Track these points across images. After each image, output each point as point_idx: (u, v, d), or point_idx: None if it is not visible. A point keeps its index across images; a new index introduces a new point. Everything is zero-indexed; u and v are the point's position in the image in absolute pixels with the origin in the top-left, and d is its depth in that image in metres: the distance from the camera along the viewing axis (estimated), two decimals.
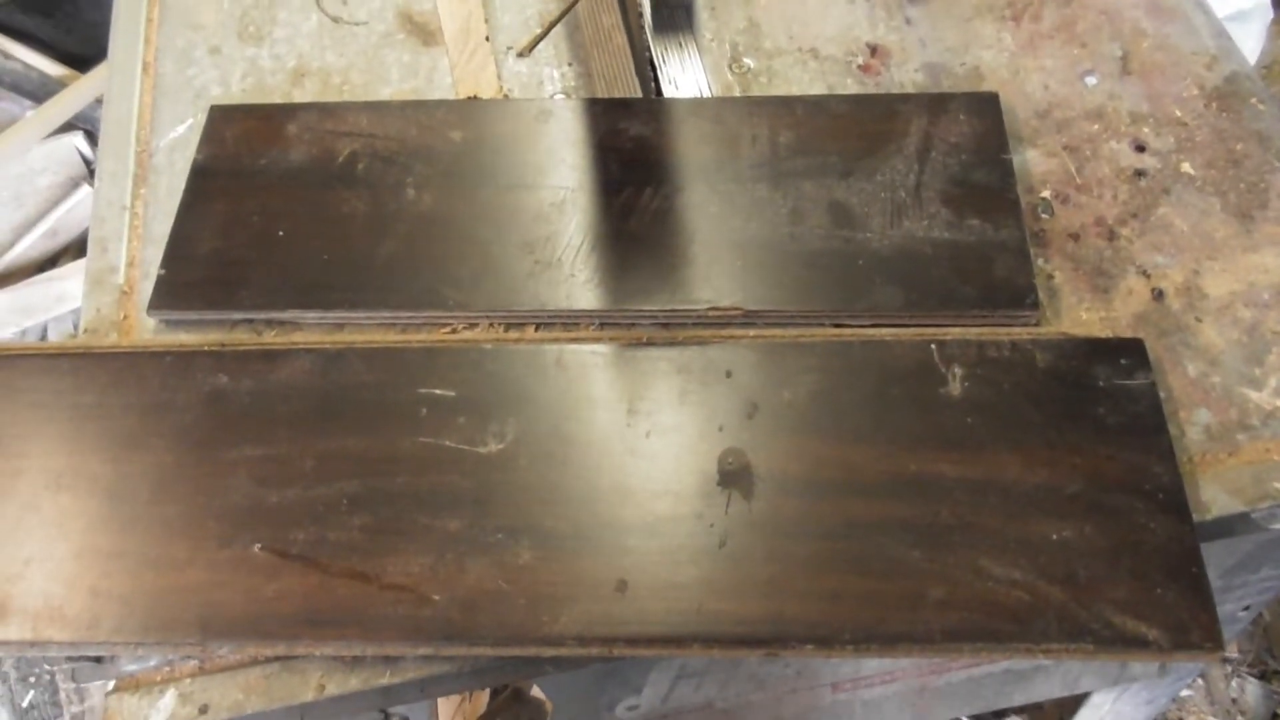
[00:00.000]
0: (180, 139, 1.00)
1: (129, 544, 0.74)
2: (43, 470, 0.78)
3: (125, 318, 0.90)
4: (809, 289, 0.84)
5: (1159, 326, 0.83)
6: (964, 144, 0.90)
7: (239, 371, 0.81)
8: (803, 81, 1.01)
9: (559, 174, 0.91)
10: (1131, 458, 0.74)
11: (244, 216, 0.90)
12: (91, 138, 2.14)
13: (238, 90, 1.04)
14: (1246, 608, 1.08)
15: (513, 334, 0.85)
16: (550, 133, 0.94)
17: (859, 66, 1.02)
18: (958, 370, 0.78)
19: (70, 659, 0.75)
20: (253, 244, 0.89)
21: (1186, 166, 0.92)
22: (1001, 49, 1.01)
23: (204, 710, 0.74)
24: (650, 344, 0.82)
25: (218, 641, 0.71)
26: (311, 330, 0.87)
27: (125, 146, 1.00)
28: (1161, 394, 0.77)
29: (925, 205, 0.87)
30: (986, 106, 0.93)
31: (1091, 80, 0.98)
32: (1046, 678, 1.18)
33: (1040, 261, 0.87)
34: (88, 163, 2.17)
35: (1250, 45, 1.80)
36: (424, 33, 1.07)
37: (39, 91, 2.13)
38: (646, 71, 1.00)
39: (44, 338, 2.09)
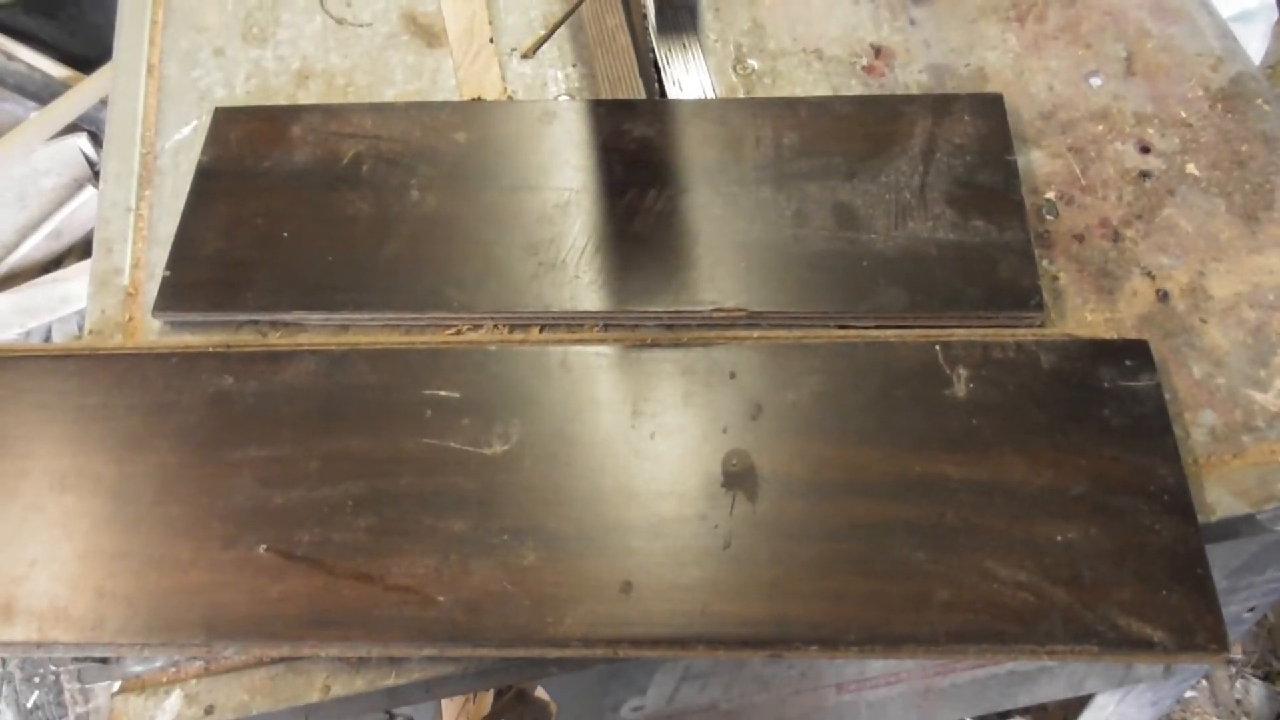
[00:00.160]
0: (185, 141, 1.00)
1: (134, 545, 0.74)
2: (48, 471, 0.78)
3: (130, 319, 0.90)
4: (813, 290, 0.84)
5: (1164, 328, 0.83)
6: (968, 145, 0.90)
7: (244, 373, 0.81)
8: (807, 83, 1.01)
9: (563, 175, 0.91)
10: (1136, 459, 0.74)
11: (248, 218, 0.90)
12: (96, 139, 2.15)
13: (242, 92, 1.04)
14: (1251, 609, 1.08)
15: (517, 335, 0.85)
16: (554, 134, 0.94)
17: (863, 68, 1.02)
18: (962, 371, 0.78)
19: (76, 660, 0.75)
20: (257, 245, 0.89)
21: (1191, 168, 0.92)
22: (1006, 50, 1.01)
23: (209, 711, 0.74)
24: (654, 345, 0.82)
25: (223, 642, 0.71)
26: (316, 332, 0.87)
27: (130, 148, 1.00)
28: (1166, 395, 0.77)
29: (930, 206, 0.87)
30: (991, 108, 0.93)
31: (1096, 81, 0.98)
32: (1051, 679, 1.18)
33: (1045, 263, 0.87)
34: (92, 164, 2.17)
35: (1255, 46, 1.80)
36: (428, 34, 1.07)
37: (43, 93, 2.14)
38: (650, 73, 1.00)
39: (48, 339, 2.09)
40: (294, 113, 0.98)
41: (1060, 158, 0.93)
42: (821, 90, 1.00)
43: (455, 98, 1.02)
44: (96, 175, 2.16)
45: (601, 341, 0.83)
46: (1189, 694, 1.83)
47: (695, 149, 0.92)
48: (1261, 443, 0.78)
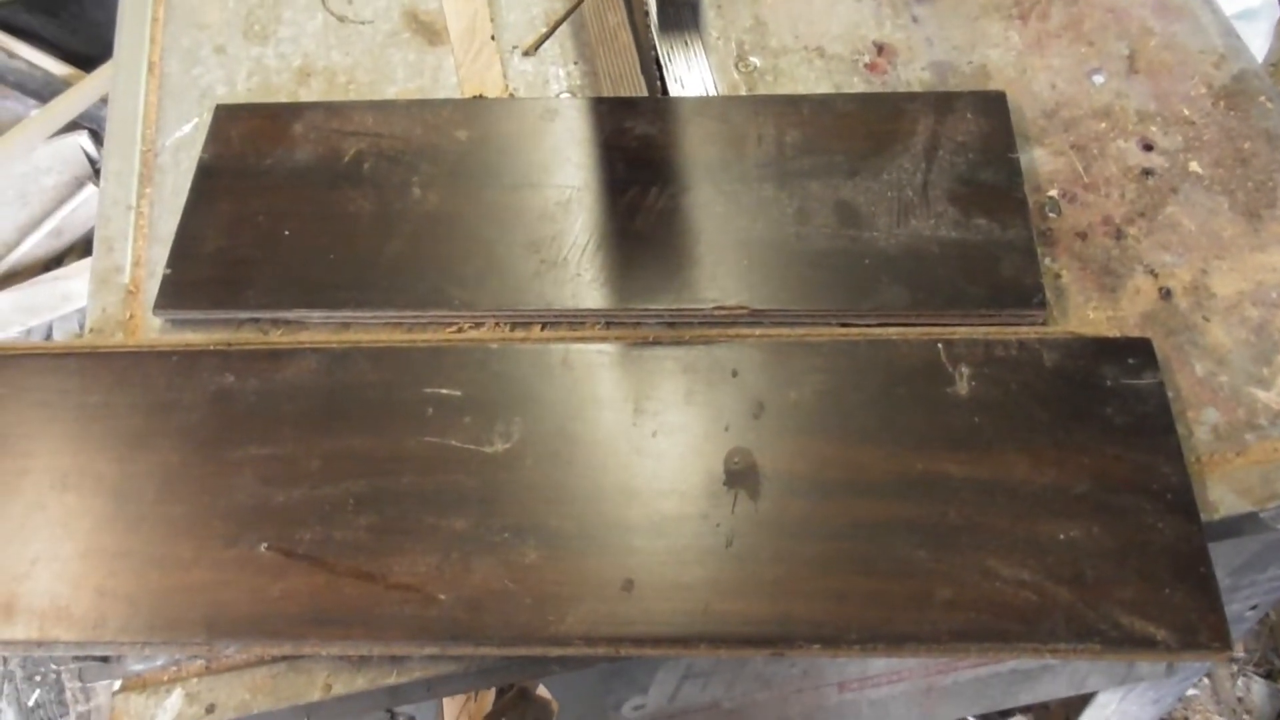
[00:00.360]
0: (186, 138, 1.00)
1: (135, 544, 0.74)
2: (49, 470, 0.78)
3: (131, 317, 0.90)
4: (815, 288, 0.84)
5: (1167, 326, 0.83)
6: (971, 143, 0.90)
7: (245, 371, 0.81)
8: (809, 80, 1.01)
9: (564, 173, 0.91)
10: (1139, 458, 0.73)
11: (250, 216, 0.90)
12: (96, 137, 2.14)
13: (243, 89, 1.04)
14: (1254, 607, 1.08)
15: (518, 333, 0.85)
16: (556, 132, 0.94)
17: (865, 65, 1.01)
18: (965, 370, 0.78)
19: (77, 658, 0.75)
20: (258, 243, 0.89)
21: (1194, 165, 0.92)
22: (1009, 48, 1.01)
23: (210, 710, 0.74)
24: (656, 343, 0.82)
25: (224, 641, 0.71)
26: (317, 330, 0.87)
27: (131, 146, 1.00)
28: (1169, 393, 0.77)
29: (932, 204, 0.87)
30: (993, 105, 0.93)
31: (1099, 79, 0.98)
32: (1053, 677, 1.18)
33: (1047, 261, 0.87)
34: (93, 162, 2.17)
35: (1258, 44, 1.80)
36: (429, 32, 1.07)
37: (43, 91, 2.14)
38: (652, 70, 1.00)
39: (49, 337, 2.09)
40: (295, 110, 0.97)
41: (1063, 155, 0.93)
42: (823, 88, 1.00)
43: (457, 95, 1.02)
44: (97, 173, 2.16)
45: (603, 339, 0.83)
46: (1191, 692, 1.83)
47: (697, 147, 0.92)
48: (1264, 441, 0.78)
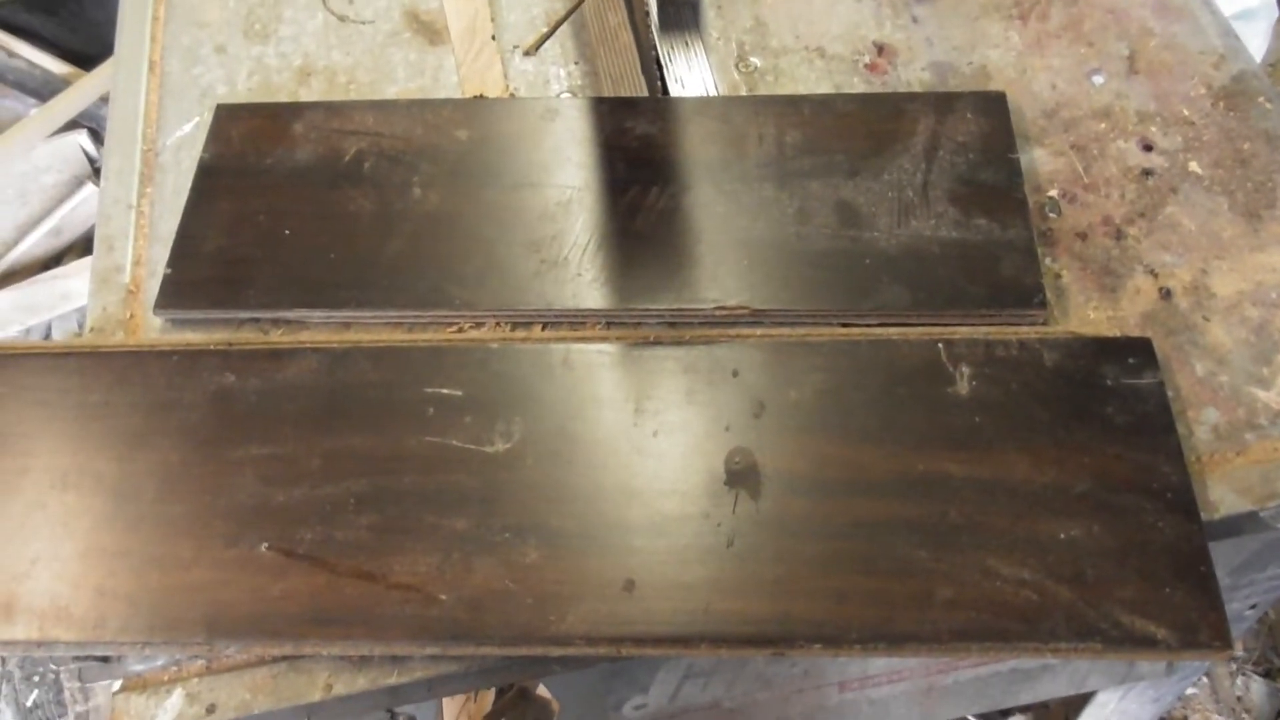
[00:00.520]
0: (186, 137, 1.00)
1: (135, 543, 0.74)
2: (49, 469, 0.78)
3: (131, 316, 0.90)
4: (816, 288, 0.84)
5: (1167, 326, 0.83)
6: (971, 143, 0.90)
7: (245, 370, 0.81)
8: (809, 80, 1.01)
9: (565, 173, 0.91)
10: (1139, 457, 0.74)
11: (250, 215, 0.90)
12: (96, 136, 2.14)
13: (244, 89, 1.04)
14: (1253, 606, 1.08)
15: (519, 333, 0.85)
16: (556, 131, 0.94)
17: (865, 65, 1.01)
18: (965, 369, 0.78)
19: (77, 658, 0.75)
20: (259, 243, 0.88)
21: (1194, 166, 0.92)
22: (1009, 48, 1.01)
23: (211, 710, 0.74)
24: (657, 343, 0.82)
25: (224, 641, 0.71)
26: (318, 329, 0.87)
27: (131, 145, 1.00)
28: (1169, 393, 0.77)
29: (932, 204, 0.87)
30: (993, 105, 0.93)
31: (1099, 79, 0.98)
32: (1053, 677, 1.18)
33: (1048, 261, 0.87)
34: (92, 161, 2.17)
35: (1256, 44, 1.80)
36: (430, 31, 1.07)
37: (43, 89, 2.14)
38: (653, 70, 1.00)
39: (48, 336, 2.09)
40: (296, 110, 0.97)
41: (1063, 156, 0.93)
42: (824, 88, 1.00)
43: (457, 95, 1.02)
44: (97, 172, 2.16)
45: (604, 339, 0.83)
46: (1190, 691, 1.83)
47: (697, 147, 0.92)
48: (1264, 440, 0.78)
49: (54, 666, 1.87)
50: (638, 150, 0.92)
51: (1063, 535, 0.71)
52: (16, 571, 0.73)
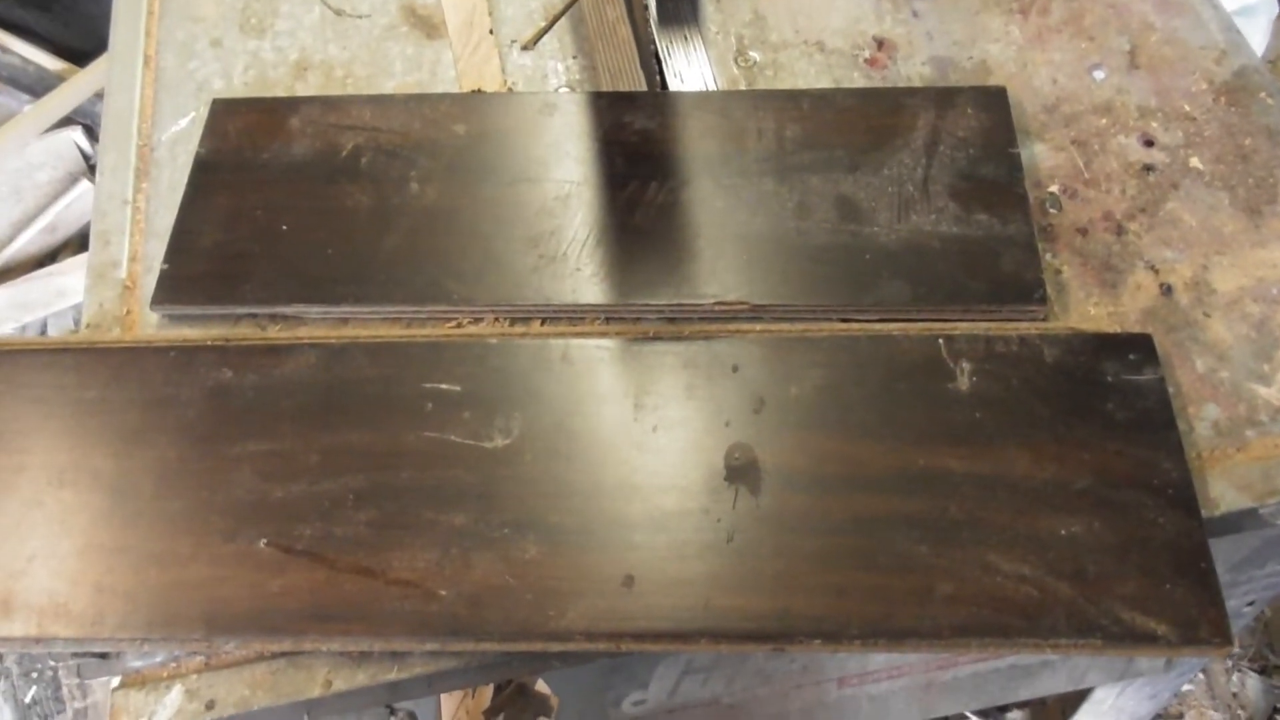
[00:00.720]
0: (182, 132, 1.00)
1: (133, 540, 0.74)
2: (46, 466, 0.77)
3: (128, 312, 0.90)
4: (816, 283, 0.83)
5: (1167, 322, 0.83)
6: (971, 138, 0.90)
7: (243, 366, 0.81)
8: (809, 75, 1.01)
9: (563, 168, 0.91)
10: (1140, 453, 0.73)
11: (247, 211, 0.90)
12: (90, 132, 2.13)
13: (240, 83, 1.03)
14: (1251, 603, 1.08)
15: (518, 328, 0.85)
16: (554, 126, 0.94)
17: (865, 60, 1.01)
18: (965, 365, 0.78)
19: (75, 655, 0.75)
20: (256, 238, 0.88)
21: (1195, 161, 0.91)
22: (1009, 42, 1.01)
23: (210, 706, 0.74)
24: (656, 338, 0.82)
25: (223, 637, 0.71)
26: (315, 325, 0.87)
27: (126, 140, 1.00)
28: (1170, 389, 0.77)
29: (933, 200, 0.87)
30: (994, 100, 0.92)
31: (1099, 74, 0.98)
32: (1052, 673, 1.18)
33: (1048, 256, 0.87)
34: (87, 158, 2.16)
35: (1256, 40, 1.80)
36: (427, 25, 1.07)
37: (37, 86, 2.13)
38: (651, 65, 0.99)
39: (44, 333, 2.09)
40: (292, 104, 0.97)
41: (1063, 151, 0.93)
42: (823, 83, 1.00)
43: (455, 90, 1.02)
44: (92, 169, 2.15)
45: (603, 335, 0.83)
46: (1186, 687, 1.84)
47: (697, 141, 0.92)
48: (1265, 437, 0.78)
49: (52, 663, 1.87)
50: (636, 145, 0.92)
51: (1063, 531, 0.71)
52: (14, 569, 0.73)
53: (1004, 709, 1.75)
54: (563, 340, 0.82)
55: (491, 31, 1.05)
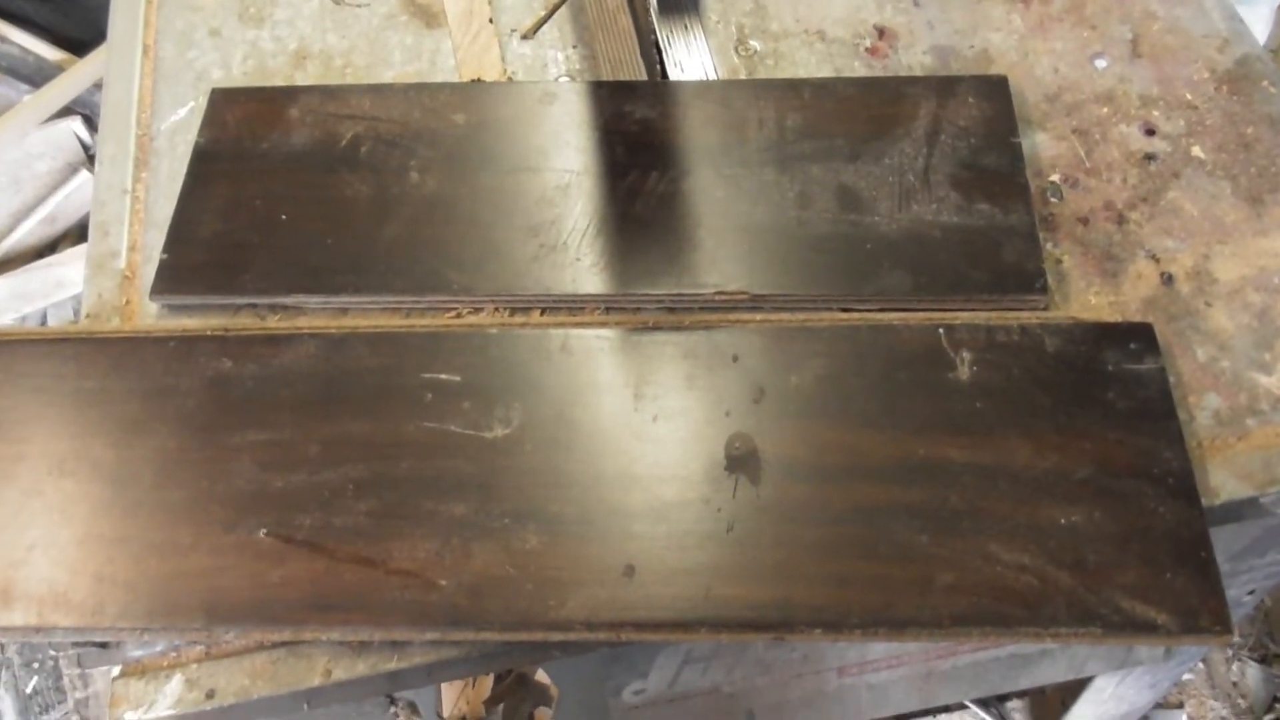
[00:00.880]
0: (181, 122, 0.99)
1: (133, 529, 0.74)
2: (45, 455, 0.77)
3: (127, 302, 0.89)
4: (816, 273, 0.83)
5: (1168, 311, 0.83)
6: (973, 127, 0.90)
7: (242, 356, 0.81)
8: (809, 64, 1.00)
9: (564, 157, 0.90)
10: (1140, 442, 0.73)
11: (246, 200, 0.89)
12: (90, 122, 2.13)
13: (239, 73, 1.03)
14: (1251, 592, 1.08)
15: (518, 318, 0.84)
16: (555, 116, 0.93)
17: (866, 49, 1.01)
18: (966, 355, 0.78)
19: (76, 644, 0.75)
20: (255, 228, 0.88)
21: (1197, 150, 0.91)
22: (1010, 31, 1.00)
23: (210, 695, 0.74)
24: (656, 328, 0.82)
25: (223, 627, 0.71)
26: (315, 315, 0.87)
27: (125, 130, 0.99)
28: (1170, 379, 0.77)
29: (934, 189, 0.86)
30: (995, 90, 0.92)
31: (1101, 63, 0.97)
32: (1052, 662, 1.18)
33: (1049, 246, 0.86)
34: (86, 148, 2.16)
35: (1258, 29, 1.79)
36: (427, 15, 1.06)
37: (36, 76, 2.12)
38: (652, 54, 0.99)
39: (43, 324, 2.09)
40: (292, 94, 0.97)
41: (1065, 140, 0.93)
42: (824, 72, 0.99)
43: (454, 79, 1.01)
44: (91, 159, 2.15)
45: (603, 324, 0.82)
46: (1186, 677, 1.84)
47: (697, 131, 0.92)
48: (1266, 426, 0.78)
49: (53, 652, 1.88)
50: (637, 134, 0.92)
51: (1063, 520, 0.71)
52: (14, 558, 0.73)
53: (1004, 698, 1.76)
54: (563, 330, 0.82)
55: (491, 20, 1.05)
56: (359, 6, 1.07)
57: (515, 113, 0.94)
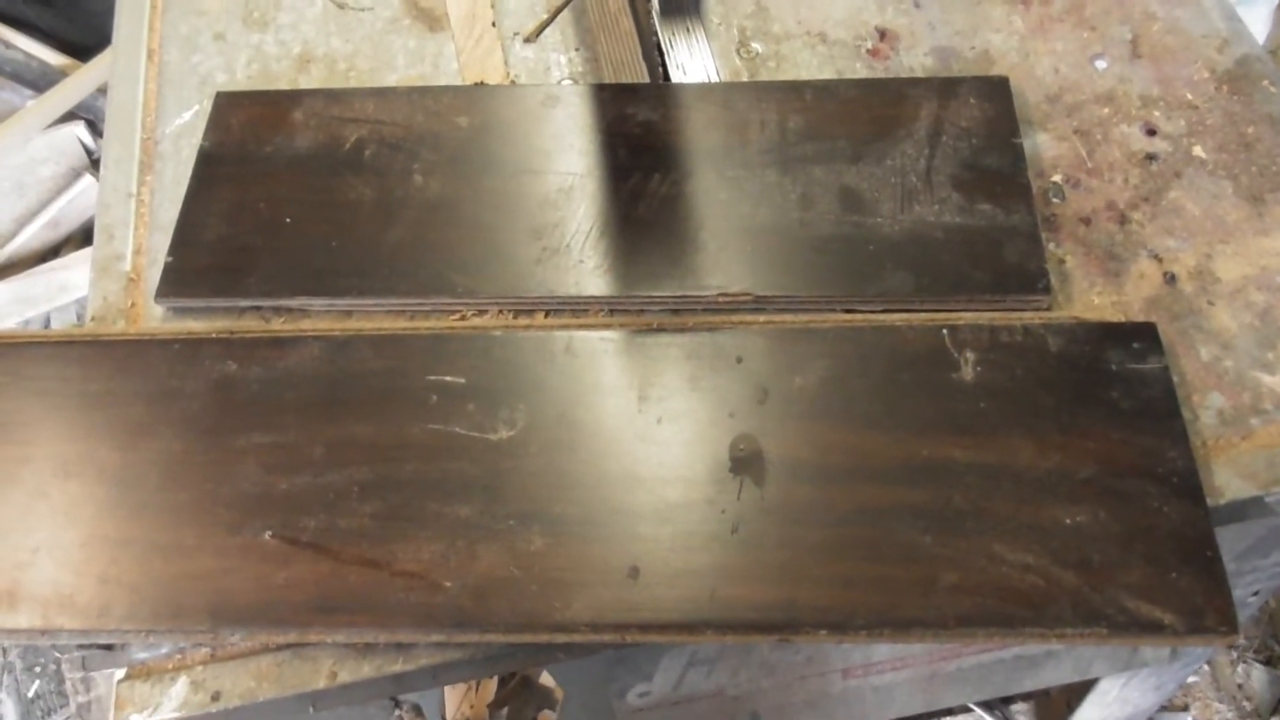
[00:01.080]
0: (186, 126, 1.00)
1: (138, 531, 0.74)
2: (51, 458, 0.77)
3: (133, 305, 0.90)
4: (819, 274, 0.83)
5: (1171, 310, 0.83)
6: (974, 128, 0.90)
7: (247, 359, 0.81)
8: (811, 66, 1.00)
9: (567, 160, 0.91)
10: (1145, 442, 0.73)
11: (251, 203, 0.90)
12: (93, 127, 2.14)
13: (243, 77, 1.03)
14: (1256, 593, 1.08)
15: (522, 320, 0.85)
16: (557, 118, 0.94)
17: (868, 51, 1.01)
18: (970, 355, 0.78)
19: (81, 647, 0.75)
20: (260, 231, 0.88)
21: (1198, 150, 0.91)
22: (1011, 32, 1.01)
23: (216, 697, 0.74)
24: (660, 330, 0.82)
25: (229, 629, 0.71)
26: (320, 317, 0.87)
27: (131, 133, 1.00)
28: (1174, 378, 0.77)
29: (936, 190, 0.86)
30: (997, 90, 0.92)
31: (1101, 64, 0.97)
32: (1057, 663, 1.18)
33: (1051, 246, 0.87)
34: (89, 153, 2.16)
35: (1256, 29, 1.80)
36: (430, 18, 1.07)
37: (40, 81, 2.13)
38: (654, 56, 0.99)
39: (47, 328, 2.09)
40: (296, 97, 0.97)
41: (1066, 141, 0.93)
42: (826, 73, 0.99)
43: (458, 82, 1.01)
44: (94, 164, 2.15)
45: (607, 326, 0.83)
46: (1191, 679, 1.84)
47: (699, 133, 0.92)
48: (1269, 425, 0.78)
49: (57, 654, 1.88)
50: (639, 137, 0.92)
51: (1068, 520, 0.71)
52: (20, 560, 0.73)
53: (1008, 700, 1.76)
54: (566, 332, 0.82)
55: (494, 24, 1.05)
56: (362, 10, 1.07)
57: (518, 116, 0.94)
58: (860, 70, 1.00)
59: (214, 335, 0.83)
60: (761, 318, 0.83)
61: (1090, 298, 0.84)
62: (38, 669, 1.93)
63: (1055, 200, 0.90)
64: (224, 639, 0.74)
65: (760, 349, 0.80)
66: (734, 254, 0.84)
